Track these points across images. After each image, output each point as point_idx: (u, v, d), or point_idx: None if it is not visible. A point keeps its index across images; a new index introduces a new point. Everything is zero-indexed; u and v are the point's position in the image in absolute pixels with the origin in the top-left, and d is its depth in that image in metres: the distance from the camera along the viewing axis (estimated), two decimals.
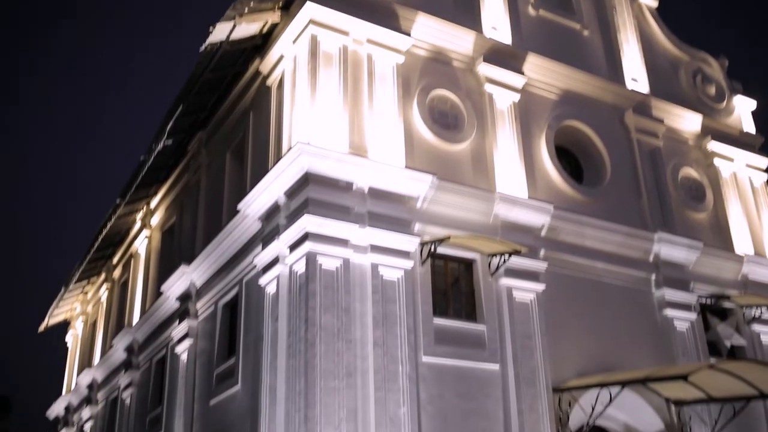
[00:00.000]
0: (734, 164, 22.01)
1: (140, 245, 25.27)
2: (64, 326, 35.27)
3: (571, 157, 19.37)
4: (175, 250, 21.98)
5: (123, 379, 23.27)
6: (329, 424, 12.82)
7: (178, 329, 19.25)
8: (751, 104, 23.61)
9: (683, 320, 18.17)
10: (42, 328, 34.22)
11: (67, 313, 33.79)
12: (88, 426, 26.65)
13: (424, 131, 16.37)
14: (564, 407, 15.40)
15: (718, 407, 16.44)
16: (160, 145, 20.19)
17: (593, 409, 14.98)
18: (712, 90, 22.97)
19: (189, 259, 19.38)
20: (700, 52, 23.63)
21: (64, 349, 35.32)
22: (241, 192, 17.29)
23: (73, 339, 34.38)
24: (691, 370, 14.41)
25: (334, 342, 13.40)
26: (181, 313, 19.33)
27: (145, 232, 24.83)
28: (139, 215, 25.35)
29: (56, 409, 31.68)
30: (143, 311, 23.28)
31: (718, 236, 20.57)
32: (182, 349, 18.89)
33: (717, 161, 21.69)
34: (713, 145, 21.68)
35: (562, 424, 15.27)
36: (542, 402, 15.08)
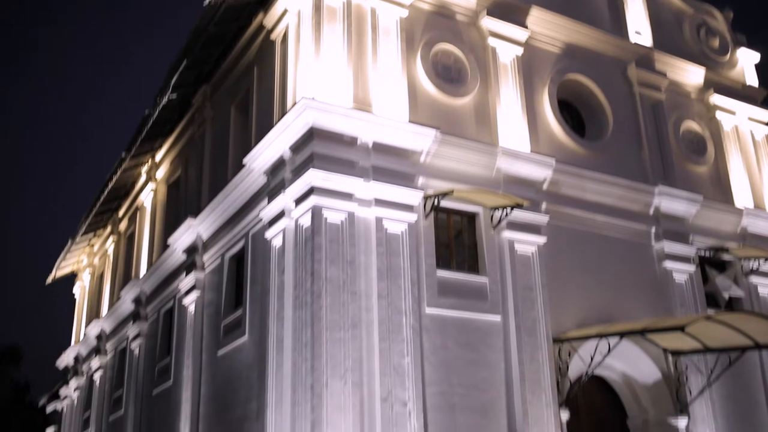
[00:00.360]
0: (736, 117, 22.09)
1: (146, 198, 25.52)
2: (71, 278, 35.73)
3: (574, 111, 19.47)
4: (180, 204, 22.24)
5: (131, 330, 23.69)
6: (335, 373, 13.18)
7: (185, 281, 19.58)
8: (754, 57, 23.59)
9: (682, 272, 18.45)
10: (49, 280, 34.66)
11: (74, 266, 34.19)
12: (97, 375, 27.19)
13: (427, 85, 16.48)
14: (564, 357, 15.77)
15: (714, 357, 16.82)
16: (165, 99, 20.32)
17: (592, 359, 15.35)
18: (716, 43, 22.95)
19: (195, 212, 19.63)
20: (704, 4, 23.56)
21: (72, 300, 35.83)
22: (246, 146, 17.48)
23: (80, 291, 34.84)
24: (688, 321, 14.73)
25: (339, 294, 13.71)
26: (188, 266, 19.64)
27: (151, 186, 25.05)
28: (145, 168, 25.55)
29: (66, 359, 32.26)
30: (150, 264, 23.62)
31: (718, 189, 20.75)
32: (189, 301, 19.24)
33: (719, 114, 21.77)
34: (716, 99, 21.74)
35: (561, 373, 15.66)
36: (542, 352, 15.44)
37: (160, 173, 24.67)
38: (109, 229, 29.93)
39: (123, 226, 28.40)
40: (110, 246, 29.73)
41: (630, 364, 16.93)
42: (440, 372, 14.46)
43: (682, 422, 16.84)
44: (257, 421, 14.72)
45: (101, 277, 31.14)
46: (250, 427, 15.09)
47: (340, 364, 13.30)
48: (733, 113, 22.00)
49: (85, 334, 29.38)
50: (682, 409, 16.90)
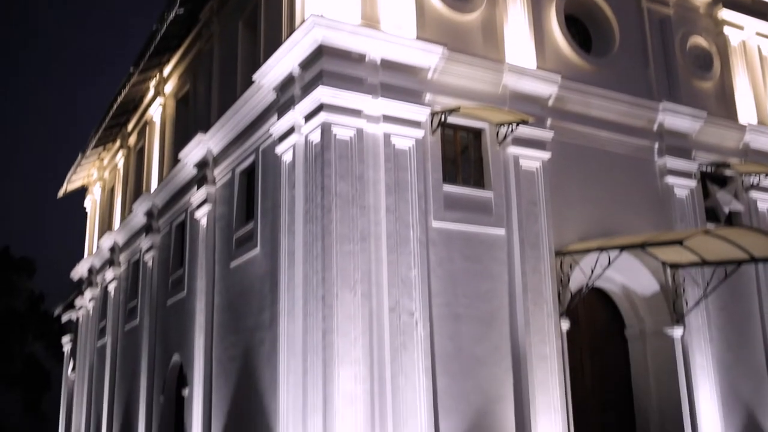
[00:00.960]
0: (744, 32, 22.04)
1: (155, 113, 25.75)
2: (82, 192, 36.24)
3: (581, 26, 19.49)
4: (190, 119, 22.50)
5: (144, 243, 24.28)
6: (345, 285, 13.74)
7: (197, 195, 20.02)
8: None
9: (683, 187, 18.82)
10: (60, 194, 35.16)
11: (84, 180, 34.65)
12: (111, 286, 27.94)
13: (434, 1, 16.52)
14: (565, 269, 16.31)
15: (710, 270, 17.34)
16: (172, 14, 20.35)
17: (593, 271, 15.87)
18: None
19: (205, 128, 19.92)
20: None
21: (84, 214, 36.43)
22: (255, 61, 17.64)
23: (91, 204, 35.39)
24: (686, 235, 15.19)
25: (348, 208, 14.16)
26: (199, 180, 20.05)
27: (159, 100, 25.25)
28: (153, 83, 25.69)
29: (80, 271, 33.04)
30: (161, 178, 24.04)
31: (723, 105, 20.91)
32: (201, 214, 19.73)
33: (727, 29, 21.73)
34: (724, 13, 21.66)
35: (563, 285, 16.22)
36: (545, 264, 15.96)
37: (169, 88, 24.84)
38: (118, 143, 30.25)
39: (132, 140, 28.72)
40: (120, 160, 30.11)
41: (629, 277, 17.50)
42: (446, 283, 15.02)
43: (677, 332, 17.51)
44: (270, 330, 15.38)
45: (112, 190, 31.62)
46: (262, 336, 15.77)
47: (350, 275, 13.84)
48: (741, 28, 21.94)
49: (98, 247, 30.05)
50: (678, 319, 17.53)
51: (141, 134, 27.54)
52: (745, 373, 18.65)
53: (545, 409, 15.05)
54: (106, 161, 32.55)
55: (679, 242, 14.78)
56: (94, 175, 34.14)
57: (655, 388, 17.54)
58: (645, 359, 17.82)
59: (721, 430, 17.40)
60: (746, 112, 21.08)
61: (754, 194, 20.30)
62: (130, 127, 28.86)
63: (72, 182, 34.21)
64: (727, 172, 20.12)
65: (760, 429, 18.44)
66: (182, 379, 20.39)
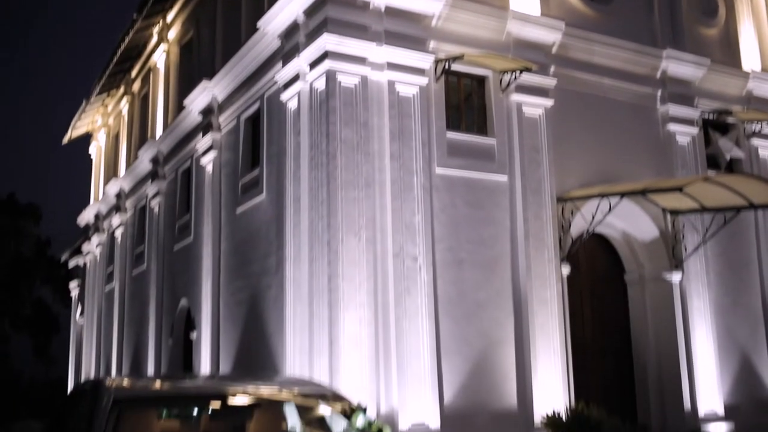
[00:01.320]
0: None
1: (159, 59, 25.77)
2: (87, 139, 36.39)
3: None
4: (194, 65, 22.56)
5: (150, 189, 24.53)
6: (350, 230, 14.01)
7: (202, 142, 20.20)
8: None
9: (685, 135, 18.95)
10: (65, 140, 35.33)
11: (88, 126, 34.77)
12: (118, 232, 28.29)
13: None
14: (566, 216, 16.56)
15: (710, 216, 17.59)
16: None
17: (593, 217, 16.12)
18: None
19: (209, 75, 20.01)
20: None
21: (89, 160, 36.64)
22: (259, 8, 17.65)
23: (96, 151, 35.58)
24: (686, 182, 15.39)
25: (353, 155, 14.36)
26: (205, 127, 20.20)
27: (163, 47, 25.26)
28: (156, 30, 25.67)
29: (86, 217, 33.38)
30: (166, 124, 24.18)
31: (727, 52, 20.90)
32: (207, 161, 19.93)
33: None
34: None
35: (564, 230, 16.48)
36: (546, 210, 16.21)
37: (172, 35, 24.82)
38: (122, 89, 30.31)
39: (136, 86, 28.77)
40: (124, 107, 30.20)
41: (629, 223, 17.76)
42: (449, 229, 15.29)
43: (676, 277, 17.83)
44: (276, 274, 15.71)
45: (117, 137, 31.78)
46: (269, 281, 16.11)
47: (355, 221, 14.10)
48: None
49: (104, 193, 30.33)
50: (677, 264, 17.84)
51: (145, 81, 27.59)
52: (742, 317, 19.02)
53: (545, 351, 15.44)
54: (110, 108, 32.63)
55: (679, 189, 14.99)
56: (98, 122, 34.25)
57: (653, 332, 17.92)
58: (644, 304, 18.17)
59: (717, 372, 17.82)
60: (750, 59, 21.09)
61: (756, 141, 20.43)
62: (133, 73, 28.89)
63: (76, 129, 34.35)
64: (729, 120, 20.23)
65: (755, 371, 18.88)
66: (190, 322, 20.83)
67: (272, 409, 5.56)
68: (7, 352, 48.16)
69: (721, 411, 17.58)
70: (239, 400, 5.23)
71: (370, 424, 4.86)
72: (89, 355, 31.74)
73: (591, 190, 16.45)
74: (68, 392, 8.39)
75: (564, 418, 9.63)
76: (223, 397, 5.20)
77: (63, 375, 38.41)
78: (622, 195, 15.80)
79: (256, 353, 16.38)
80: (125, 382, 5.44)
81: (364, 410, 5.02)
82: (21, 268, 47.75)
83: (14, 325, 48.10)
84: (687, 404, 17.22)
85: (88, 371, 31.60)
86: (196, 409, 5.14)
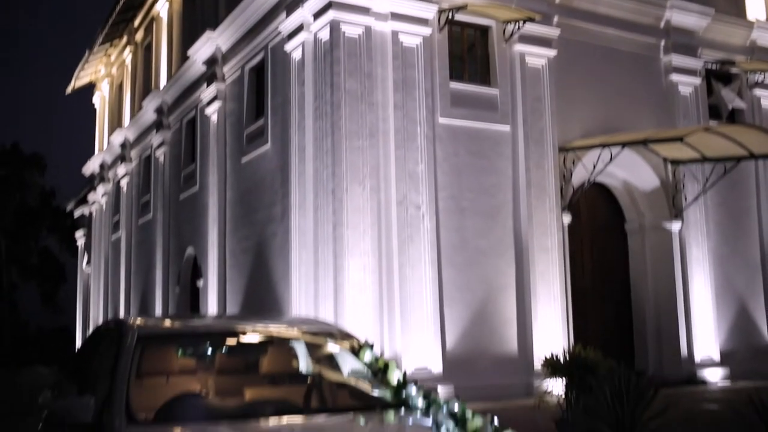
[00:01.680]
0: None
1: (161, 9, 25.71)
2: (90, 89, 36.39)
3: None
4: (197, 15, 22.53)
5: (155, 139, 24.69)
6: (354, 179, 14.23)
7: (207, 92, 20.30)
8: None
9: (687, 85, 19.00)
10: (69, 90, 35.35)
11: (92, 76, 34.76)
12: (124, 182, 28.51)
13: None
14: (568, 165, 16.74)
15: (710, 166, 17.76)
16: None
17: (595, 166, 16.31)
18: None
19: (213, 24, 20.02)
20: None
21: (93, 110, 36.69)
22: None
23: (100, 101, 35.62)
24: (687, 132, 15.54)
25: (357, 105, 14.51)
26: (209, 77, 20.29)
27: None
28: None
29: (92, 166, 33.56)
30: (170, 74, 24.23)
31: (731, 1, 20.81)
32: (212, 111, 20.06)
33: None
34: None
35: (565, 180, 16.68)
36: (548, 160, 16.39)
37: None
38: (125, 39, 30.25)
39: (139, 36, 28.72)
40: (128, 56, 30.18)
41: (631, 172, 17.94)
42: (452, 178, 15.51)
43: (675, 226, 18.07)
44: (282, 223, 15.98)
45: (120, 87, 31.80)
46: (274, 229, 16.38)
47: (359, 170, 14.31)
48: None
49: (109, 143, 30.47)
50: (677, 214, 18.07)
51: (148, 30, 27.54)
52: (740, 266, 19.31)
53: (545, 298, 15.76)
54: (113, 57, 32.60)
55: (680, 139, 15.15)
56: (101, 72, 34.23)
57: (651, 280, 18.23)
58: (643, 252, 18.44)
59: (714, 320, 18.17)
60: (755, 9, 21.03)
61: (758, 92, 20.48)
62: (136, 23, 28.82)
63: (80, 78, 34.35)
64: (732, 70, 20.26)
65: (751, 319, 19.23)
66: (197, 270, 21.17)
67: (283, 347, 5.85)
68: (15, 300, 48.82)
69: (717, 357, 17.97)
70: (252, 337, 5.51)
71: (376, 359, 5.13)
72: (97, 303, 32.22)
73: (593, 140, 16.60)
74: (88, 335, 8.77)
75: (561, 361, 9.99)
76: (237, 335, 5.47)
77: (70, 323, 38.98)
78: (624, 145, 15.95)
79: (262, 300, 16.74)
80: (147, 321, 5.73)
81: (371, 347, 5.29)
82: (26, 218, 48.11)
83: (21, 274, 48.65)
84: (684, 350, 17.60)
85: (96, 319, 32.10)
86: (210, 347, 5.42)
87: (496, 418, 4.06)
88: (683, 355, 17.57)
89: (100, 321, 31.19)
